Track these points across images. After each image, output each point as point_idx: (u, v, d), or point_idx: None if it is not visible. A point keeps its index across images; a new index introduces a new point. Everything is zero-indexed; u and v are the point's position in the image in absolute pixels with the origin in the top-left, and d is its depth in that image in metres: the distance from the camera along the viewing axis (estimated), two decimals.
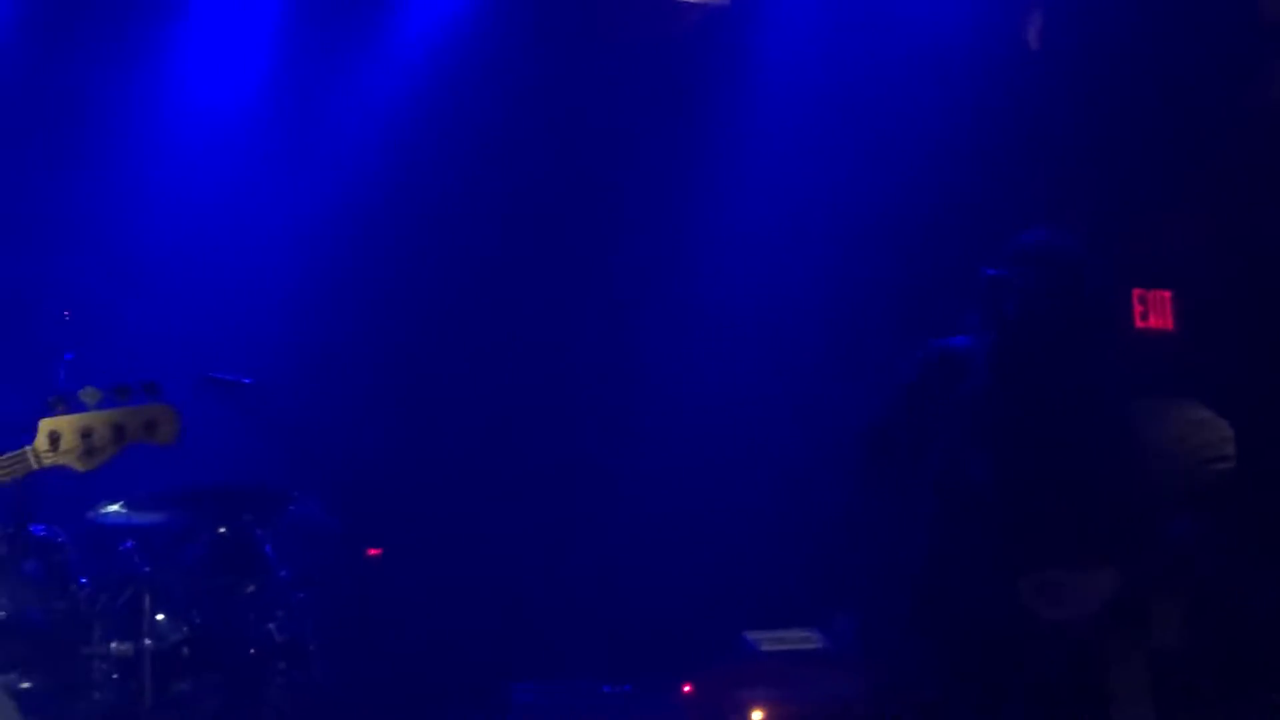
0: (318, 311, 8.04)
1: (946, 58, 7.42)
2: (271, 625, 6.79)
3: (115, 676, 6.38)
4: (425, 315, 8.22)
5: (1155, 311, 6.61)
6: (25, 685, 6.15)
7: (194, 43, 8.25)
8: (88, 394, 4.10)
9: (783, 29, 8.10)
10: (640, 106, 8.26)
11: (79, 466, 4.10)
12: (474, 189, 8.22)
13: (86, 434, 4.08)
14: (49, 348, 6.73)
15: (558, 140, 8.24)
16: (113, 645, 6.37)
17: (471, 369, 8.15)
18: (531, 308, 8.21)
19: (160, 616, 6.54)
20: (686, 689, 6.62)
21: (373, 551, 7.15)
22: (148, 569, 6.61)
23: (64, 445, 4.07)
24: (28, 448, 4.06)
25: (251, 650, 6.71)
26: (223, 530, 6.87)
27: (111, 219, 7.95)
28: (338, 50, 8.26)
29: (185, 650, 6.55)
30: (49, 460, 4.07)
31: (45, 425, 4.07)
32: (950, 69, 7.40)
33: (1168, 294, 6.62)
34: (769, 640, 6.61)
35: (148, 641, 6.40)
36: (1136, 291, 6.58)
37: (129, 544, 6.81)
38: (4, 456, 4.05)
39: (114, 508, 6.74)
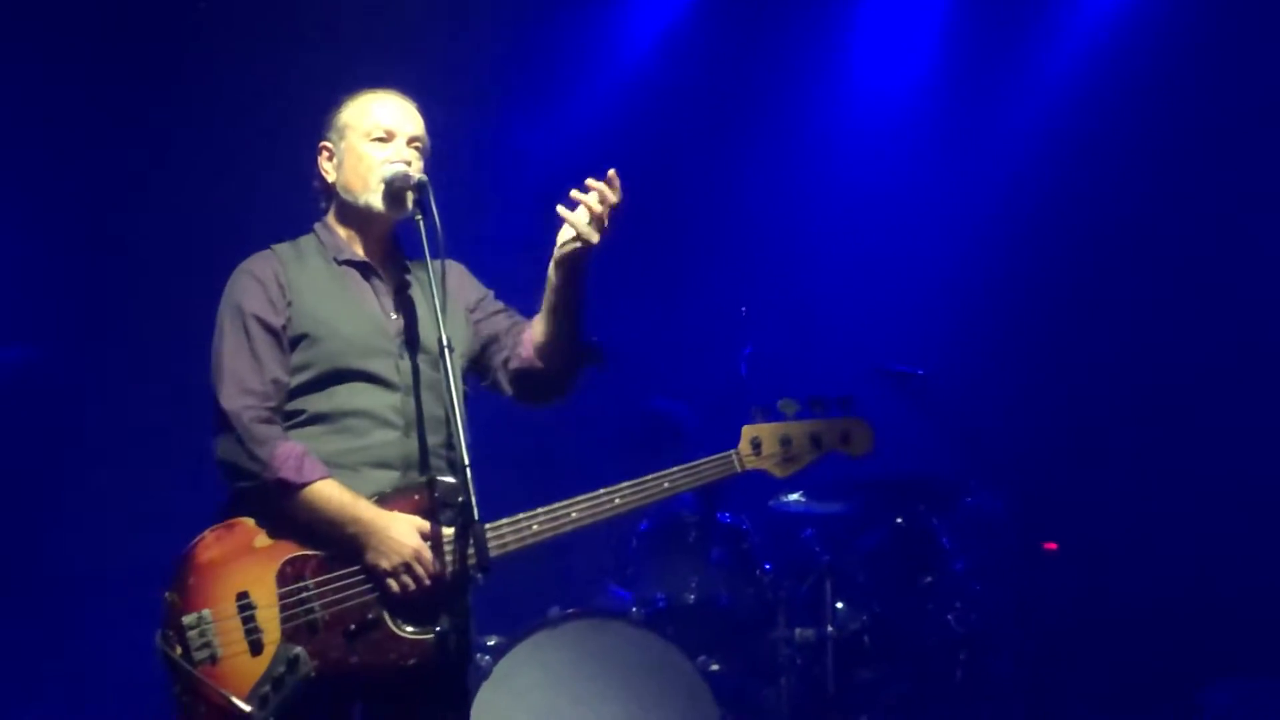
0: (988, 299, 7.95)
1: None
2: (950, 617, 6.78)
3: (799, 662, 6.56)
4: (1096, 303, 7.97)
5: None
6: (715, 668, 6.40)
7: (864, 32, 8.37)
8: (786, 405, 4.23)
9: None
10: None
11: (777, 473, 4.25)
12: (1142, 181, 7.91)
13: (786, 442, 4.22)
14: (729, 341, 6.96)
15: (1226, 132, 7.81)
16: (797, 631, 6.54)
17: (1150, 359, 7.81)
18: (1207, 296, 7.80)
19: (840, 604, 6.67)
20: None
21: (1049, 545, 6.95)
22: (828, 557, 6.71)
23: (765, 451, 4.21)
24: (732, 451, 4.21)
25: (931, 641, 6.71)
26: (899, 520, 6.92)
27: (784, 210, 8.18)
28: (1008, 34, 8.14)
29: (866, 639, 6.67)
30: (750, 464, 4.22)
31: (748, 431, 4.22)
32: None
33: None
34: None
35: (830, 629, 6.54)
36: None
37: (809, 532, 6.98)
38: (711, 458, 4.21)
39: (794, 496, 6.94)
